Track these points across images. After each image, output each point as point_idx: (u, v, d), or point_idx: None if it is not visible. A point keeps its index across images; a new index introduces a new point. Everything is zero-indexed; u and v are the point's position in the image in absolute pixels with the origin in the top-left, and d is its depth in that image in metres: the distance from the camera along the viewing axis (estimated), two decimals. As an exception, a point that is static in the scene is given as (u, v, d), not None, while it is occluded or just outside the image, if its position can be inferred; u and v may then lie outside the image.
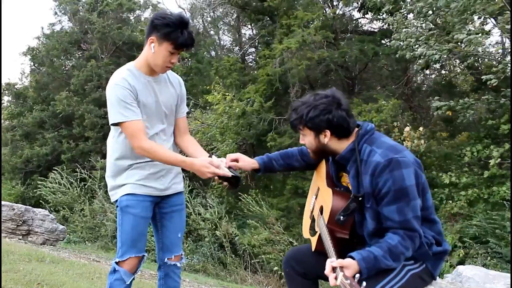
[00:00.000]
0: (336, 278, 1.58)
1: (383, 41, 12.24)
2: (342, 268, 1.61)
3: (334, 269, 1.62)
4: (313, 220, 2.13)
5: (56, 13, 17.71)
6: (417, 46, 7.15)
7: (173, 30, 2.04)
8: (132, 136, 2.09)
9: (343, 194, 1.93)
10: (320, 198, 2.08)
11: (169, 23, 2.04)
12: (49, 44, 16.57)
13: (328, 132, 1.88)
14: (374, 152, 1.82)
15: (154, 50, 2.09)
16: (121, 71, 2.17)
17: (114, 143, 2.24)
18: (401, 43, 7.50)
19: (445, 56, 7.18)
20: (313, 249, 2.01)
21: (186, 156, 2.34)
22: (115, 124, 2.13)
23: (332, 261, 1.64)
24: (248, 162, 2.20)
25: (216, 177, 2.11)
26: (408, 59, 8.89)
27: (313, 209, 2.15)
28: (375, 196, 1.81)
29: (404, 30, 7.37)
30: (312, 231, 2.08)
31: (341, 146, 1.91)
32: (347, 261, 1.66)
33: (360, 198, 1.84)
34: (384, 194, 1.77)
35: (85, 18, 16.30)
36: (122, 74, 2.15)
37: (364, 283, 1.47)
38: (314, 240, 2.01)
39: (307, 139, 1.95)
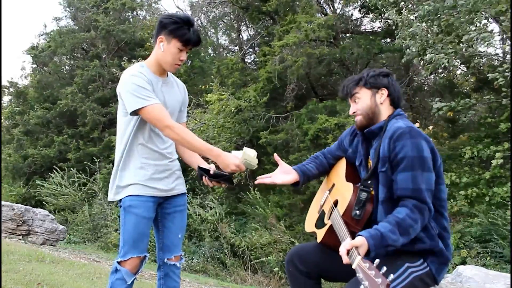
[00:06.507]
0: (352, 263, 1.55)
1: (384, 41, 12.24)
2: (357, 248, 1.61)
3: (348, 252, 1.62)
4: (322, 213, 2.12)
5: (64, 9, 17.74)
6: (424, 51, 7.16)
7: (180, 26, 2.12)
8: (159, 117, 2.07)
9: None
10: (336, 193, 2.08)
11: (176, 20, 2.13)
12: (54, 43, 16.52)
13: (385, 91, 1.96)
14: (397, 122, 1.88)
15: (163, 48, 2.16)
16: (135, 67, 2.20)
17: (124, 138, 2.22)
18: (406, 41, 7.49)
19: (452, 60, 7.18)
20: (319, 241, 2.00)
21: (183, 162, 2.38)
22: (134, 113, 2.10)
23: (345, 244, 1.64)
24: (286, 170, 2.19)
25: (213, 182, 2.17)
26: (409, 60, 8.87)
27: (324, 203, 2.14)
28: (391, 161, 1.83)
29: (409, 30, 7.36)
30: (320, 223, 2.07)
31: (386, 116, 1.96)
32: (358, 239, 1.66)
33: (369, 181, 1.87)
34: (400, 160, 1.79)
35: (90, 17, 16.28)
36: (137, 68, 2.18)
37: (385, 268, 1.44)
38: (321, 232, 1.99)
39: (362, 100, 1.98)
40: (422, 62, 7.53)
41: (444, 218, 1.92)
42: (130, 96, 2.10)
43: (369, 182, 1.87)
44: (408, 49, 7.47)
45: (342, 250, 1.63)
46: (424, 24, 7.35)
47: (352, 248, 1.61)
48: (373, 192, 1.91)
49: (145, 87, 2.10)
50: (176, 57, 2.16)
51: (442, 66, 7.32)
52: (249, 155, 2.10)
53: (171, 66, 2.20)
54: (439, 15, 7.15)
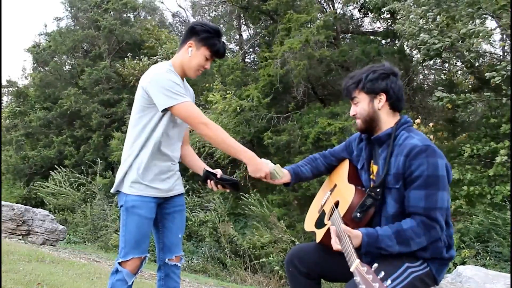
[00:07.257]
0: (350, 266, 1.55)
1: (384, 41, 12.23)
2: (350, 237, 1.63)
3: (340, 239, 1.65)
4: (322, 214, 2.12)
5: (65, 9, 17.76)
6: (419, 33, 7.18)
7: (212, 36, 2.18)
8: (195, 115, 2.09)
9: (364, 193, 1.93)
10: (337, 194, 2.08)
11: (209, 29, 2.19)
12: (54, 42, 16.49)
13: (383, 96, 1.93)
14: (411, 137, 1.85)
15: (191, 53, 2.20)
16: (164, 65, 2.21)
17: (141, 134, 2.19)
18: (404, 27, 7.50)
19: (446, 50, 7.18)
20: (317, 241, 2.00)
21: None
22: (166, 109, 2.08)
23: (340, 229, 1.67)
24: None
25: (219, 186, 2.20)
26: (409, 59, 8.87)
27: (325, 203, 2.14)
28: (405, 178, 1.82)
29: (410, 16, 7.39)
30: (320, 223, 2.07)
31: (388, 121, 1.94)
32: (355, 231, 1.70)
33: (378, 189, 1.86)
34: (415, 178, 1.78)
35: (92, 17, 16.27)
36: (167, 67, 2.19)
37: (382, 273, 1.44)
38: (320, 232, 1.99)
39: (361, 105, 1.97)
40: (414, 45, 7.52)
41: (449, 226, 1.93)
42: (164, 92, 2.07)
43: (378, 190, 1.86)
44: (404, 29, 7.49)
45: (333, 237, 1.66)
46: (421, 9, 7.37)
47: (345, 234, 1.63)
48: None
49: (180, 85, 2.12)
50: (202, 64, 2.21)
51: (436, 52, 7.30)
52: (280, 169, 2.15)
53: (194, 72, 2.24)
54: (438, 4, 7.17)
